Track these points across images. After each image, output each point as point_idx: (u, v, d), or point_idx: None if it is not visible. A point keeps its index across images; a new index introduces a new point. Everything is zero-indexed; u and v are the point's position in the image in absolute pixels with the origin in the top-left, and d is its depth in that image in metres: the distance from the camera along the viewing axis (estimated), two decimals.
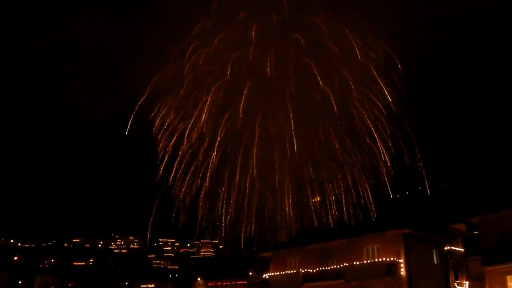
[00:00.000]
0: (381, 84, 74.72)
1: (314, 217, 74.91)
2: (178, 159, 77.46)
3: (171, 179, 76.68)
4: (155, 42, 77.72)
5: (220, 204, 77.88)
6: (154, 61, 78.13)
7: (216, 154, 78.03)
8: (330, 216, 74.28)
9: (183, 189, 77.30)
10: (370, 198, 72.12)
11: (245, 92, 73.89)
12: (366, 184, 73.56)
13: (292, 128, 74.33)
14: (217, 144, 77.56)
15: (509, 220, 47.96)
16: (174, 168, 77.16)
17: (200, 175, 77.94)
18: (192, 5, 75.23)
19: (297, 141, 74.42)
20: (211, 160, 77.94)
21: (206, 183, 77.59)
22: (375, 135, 74.39)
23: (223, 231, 77.80)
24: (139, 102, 76.81)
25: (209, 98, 76.73)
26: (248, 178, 77.71)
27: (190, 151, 78.06)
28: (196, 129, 77.78)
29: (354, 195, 73.51)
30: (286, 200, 76.41)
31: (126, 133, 78.45)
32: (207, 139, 77.37)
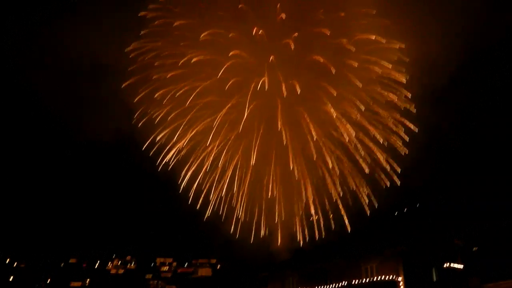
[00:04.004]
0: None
1: (312, 235, 74.03)
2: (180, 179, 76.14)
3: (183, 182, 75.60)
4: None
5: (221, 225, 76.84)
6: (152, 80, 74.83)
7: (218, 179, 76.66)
8: (328, 234, 73.36)
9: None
10: (369, 215, 71.30)
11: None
12: (366, 201, 72.60)
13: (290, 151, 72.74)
14: (218, 171, 76.05)
15: (507, 236, 47.68)
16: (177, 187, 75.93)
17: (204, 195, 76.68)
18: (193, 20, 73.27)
19: (293, 161, 73.11)
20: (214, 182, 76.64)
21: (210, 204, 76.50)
22: (375, 151, 72.96)
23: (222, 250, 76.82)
24: (134, 120, 75.15)
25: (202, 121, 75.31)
26: (246, 197, 76.56)
27: (190, 173, 76.69)
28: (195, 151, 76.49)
29: (353, 211, 72.53)
30: (282, 219, 75.56)
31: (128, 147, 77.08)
32: (207, 164, 75.90)
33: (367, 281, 53.43)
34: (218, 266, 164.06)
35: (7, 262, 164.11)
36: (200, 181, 75.20)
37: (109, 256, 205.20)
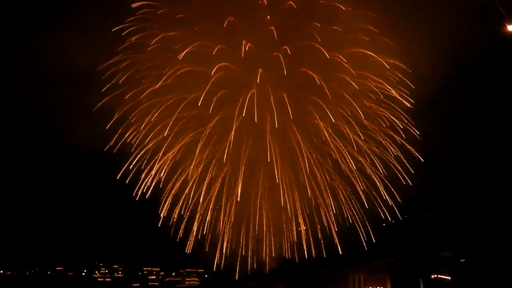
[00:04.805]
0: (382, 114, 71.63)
1: (300, 245, 73.40)
2: (166, 191, 74.28)
3: (162, 211, 73.65)
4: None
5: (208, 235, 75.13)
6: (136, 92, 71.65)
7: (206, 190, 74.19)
8: (316, 245, 72.69)
9: (173, 220, 74.25)
10: (358, 226, 70.81)
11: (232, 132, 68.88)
12: (353, 213, 71.90)
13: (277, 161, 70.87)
14: (206, 181, 73.51)
15: (494, 249, 47.91)
16: (164, 200, 73.95)
17: (190, 207, 74.60)
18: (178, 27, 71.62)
19: (281, 172, 71.51)
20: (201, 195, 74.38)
21: (197, 214, 74.51)
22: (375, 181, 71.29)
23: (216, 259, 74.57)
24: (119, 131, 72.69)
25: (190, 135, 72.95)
26: (233, 209, 74.87)
27: (178, 185, 74.69)
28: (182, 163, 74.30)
29: (340, 222, 71.70)
30: (269, 229, 74.36)
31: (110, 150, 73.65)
32: (195, 176, 73.51)
33: None
34: (206, 276, 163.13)
35: None
36: (182, 211, 73.52)
37: (96, 264, 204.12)
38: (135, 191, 72.14)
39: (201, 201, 72.53)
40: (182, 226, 73.63)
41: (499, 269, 49.35)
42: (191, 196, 72.46)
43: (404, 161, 68.47)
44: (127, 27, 71.54)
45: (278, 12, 69.87)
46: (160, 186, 73.32)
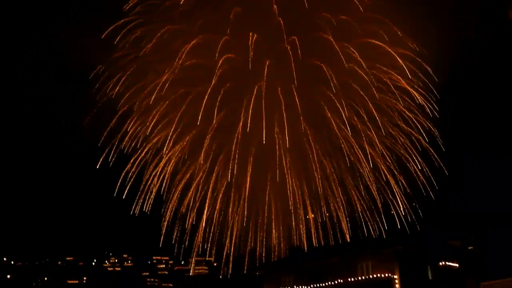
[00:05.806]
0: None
1: (308, 234, 73.63)
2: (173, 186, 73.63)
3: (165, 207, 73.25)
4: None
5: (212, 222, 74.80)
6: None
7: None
8: (324, 233, 72.91)
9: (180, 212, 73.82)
10: (367, 215, 70.91)
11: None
12: (362, 202, 71.83)
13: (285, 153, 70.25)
14: (212, 180, 72.74)
15: (505, 236, 48.11)
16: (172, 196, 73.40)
17: (199, 198, 73.96)
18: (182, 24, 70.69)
19: (289, 163, 70.95)
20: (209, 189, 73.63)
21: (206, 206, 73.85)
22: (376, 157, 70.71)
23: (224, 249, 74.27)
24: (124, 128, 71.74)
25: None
26: (241, 202, 74.22)
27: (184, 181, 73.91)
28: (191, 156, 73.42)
29: (349, 211, 71.67)
30: (277, 217, 74.35)
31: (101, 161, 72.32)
32: (202, 170, 72.70)
33: (363, 279, 53.76)
34: (215, 264, 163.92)
35: (4, 260, 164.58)
36: (186, 225, 73.68)
37: (106, 254, 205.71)
38: (133, 208, 72.10)
39: (208, 197, 72.38)
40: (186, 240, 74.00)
41: (506, 258, 49.57)
42: (198, 191, 72.26)
43: (427, 171, 68.07)
44: (128, 22, 70.62)
45: (286, 2, 69.26)
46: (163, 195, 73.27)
